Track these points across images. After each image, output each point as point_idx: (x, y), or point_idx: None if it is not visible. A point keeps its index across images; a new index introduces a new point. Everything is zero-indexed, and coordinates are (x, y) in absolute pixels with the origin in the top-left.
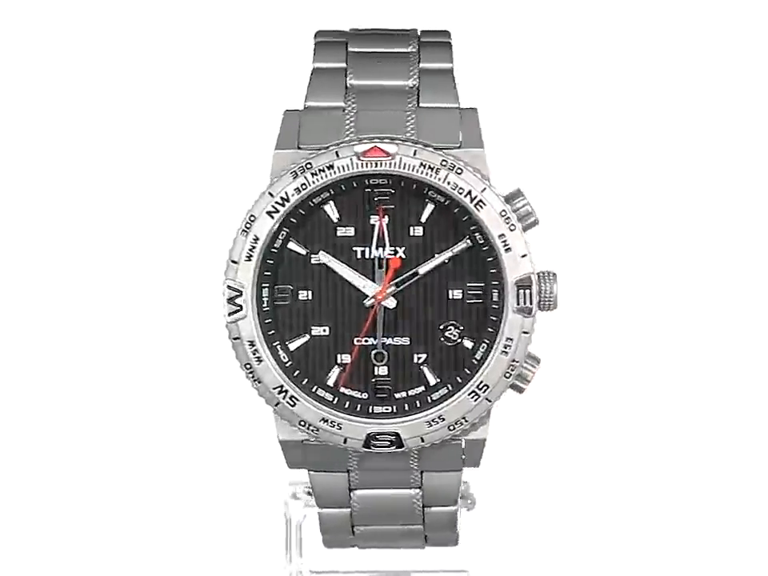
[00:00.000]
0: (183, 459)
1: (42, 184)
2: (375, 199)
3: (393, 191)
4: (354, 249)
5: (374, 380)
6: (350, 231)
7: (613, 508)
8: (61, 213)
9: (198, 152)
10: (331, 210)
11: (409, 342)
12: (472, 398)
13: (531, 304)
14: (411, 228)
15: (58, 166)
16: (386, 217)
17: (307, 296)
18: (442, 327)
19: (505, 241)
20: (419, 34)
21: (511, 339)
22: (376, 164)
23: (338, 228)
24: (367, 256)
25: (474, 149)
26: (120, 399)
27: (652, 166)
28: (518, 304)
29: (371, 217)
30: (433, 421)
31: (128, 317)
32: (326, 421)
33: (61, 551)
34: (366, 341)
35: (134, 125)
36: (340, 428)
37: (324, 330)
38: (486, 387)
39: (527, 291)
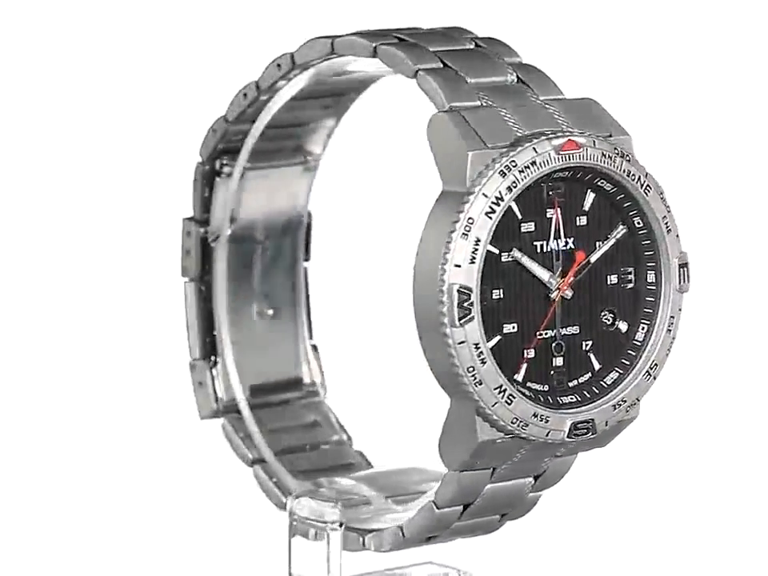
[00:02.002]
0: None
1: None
2: (550, 192)
3: (563, 182)
4: (535, 243)
5: (552, 371)
6: (531, 226)
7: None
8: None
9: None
10: (515, 206)
11: (578, 331)
12: (645, 378)
13: (689, 282)
14: (577, 218)
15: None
16: (559, 209)
17: (499, 294)
18: (601, 313)
19: (667, 222)
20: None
21: (673, 317)
22: (570, 157)
23: (522, 224)
24: (545, 249)
25: (623, 136)
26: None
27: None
28: (680, 283)
29: (548, 210)
30: (617, 404)
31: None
32: (536, 416)
33: (59, 550)
34: (546, 333)
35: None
36: (547, 421)
37: (513, 327)
38: (656, 366)
39: (685, 270)
